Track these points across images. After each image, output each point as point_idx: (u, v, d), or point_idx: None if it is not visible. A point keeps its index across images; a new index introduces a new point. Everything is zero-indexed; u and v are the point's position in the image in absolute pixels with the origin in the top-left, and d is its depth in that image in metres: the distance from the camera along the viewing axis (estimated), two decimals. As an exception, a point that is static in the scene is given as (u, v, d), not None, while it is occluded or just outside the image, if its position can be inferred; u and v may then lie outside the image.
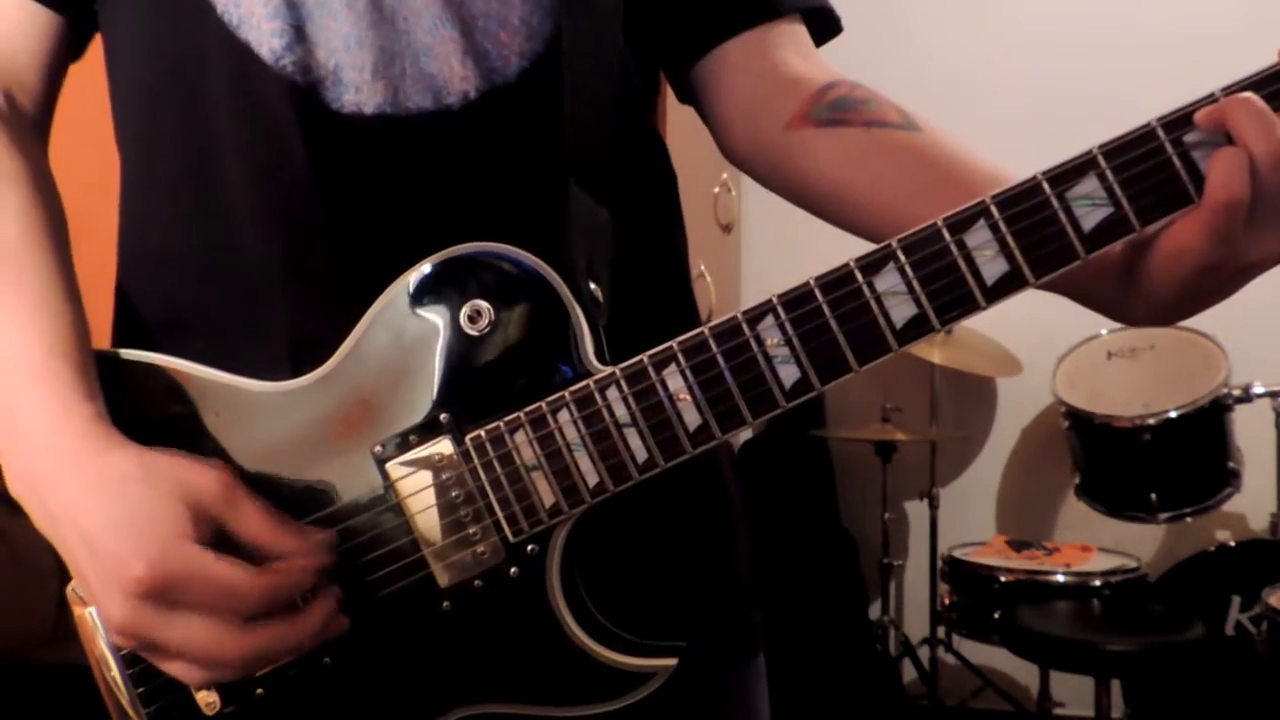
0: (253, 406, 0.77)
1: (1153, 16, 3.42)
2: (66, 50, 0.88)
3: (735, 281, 3.77)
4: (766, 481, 3.54)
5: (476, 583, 0.75)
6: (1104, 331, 3.11)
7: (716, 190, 3.39)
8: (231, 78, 0.78)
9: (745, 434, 3.74)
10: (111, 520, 0.70)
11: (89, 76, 0.91)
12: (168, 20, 0.81)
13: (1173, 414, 2.79)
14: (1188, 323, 3.18)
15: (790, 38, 0.92)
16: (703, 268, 3.16)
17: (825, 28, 0.96)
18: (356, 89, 0.77)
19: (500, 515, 0.74)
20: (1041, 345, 3.15)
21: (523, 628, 0.75)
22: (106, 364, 0.79)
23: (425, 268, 0.75)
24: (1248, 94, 0.67)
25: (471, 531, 0.75)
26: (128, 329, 0.87)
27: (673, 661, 0.75)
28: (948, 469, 3.63)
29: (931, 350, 3.19)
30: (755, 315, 0.72)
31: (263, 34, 0.77)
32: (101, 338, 0.83)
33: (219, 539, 0.71)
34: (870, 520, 3.52)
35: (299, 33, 0.77)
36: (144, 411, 0.78)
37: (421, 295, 0.75)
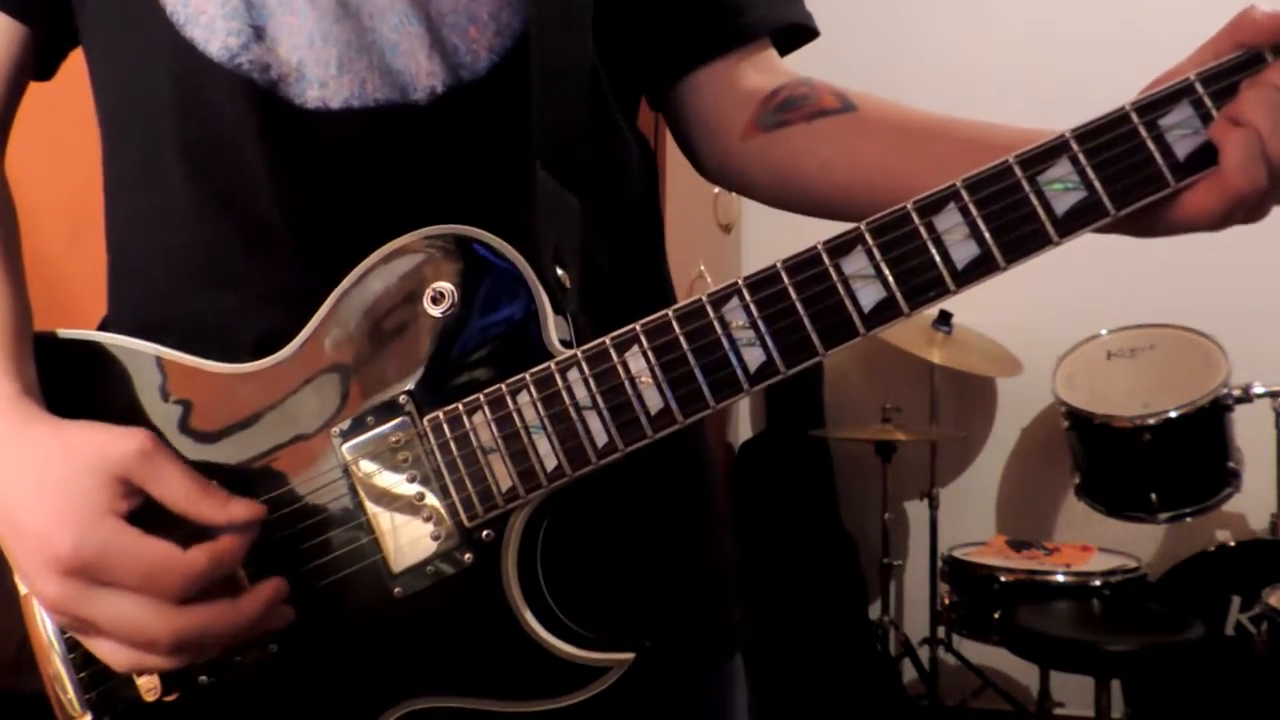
0: (211, 388, 0.77)
1: (1152, 16, 3.40)
2: (31, 65, 0.87)
3: (735, 281, 3.75)
4: (766, 481, 3.53)
5: (429, 568, 0.73)
6: (1104, 331, 3.09)
7: (717, 191, 3.38)
8: (176, 76, 0.78)
9: (745, 433, 3.73)
10: (33, 499, 0.69)
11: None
12: (125, 23, 0.81)
13: (1173, 414, 2.77)
14: (1188, 323, 3.14)
15: (752, 56, 0.93)
16: (702, 267, 3.15)
17: (797, 37, 0.96)
18: (321, 84, 0.76)
19: (456, 498, 0.73)
20: (1041, 345, 3.14)
21: (475, 616, 0.74)
22: (45, 345, 0.78)
23: (389, 249, 0.74)
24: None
25: (426, 515, 0.73)
26: (113, 328, 0.86)
27: (629, 656, 0.73)
28: (948, 469, 3.61)
29: (931, 350, 3.18)
30: (720, 297, 0.70)
31: (215, 32, 0.77)
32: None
33: (147, 509, 0.70)
34: (870, 520, 3.50)
35: (258, 32, 0.76)
36: (90, 391, 0.77)
37: (384, 277, 0.74)
